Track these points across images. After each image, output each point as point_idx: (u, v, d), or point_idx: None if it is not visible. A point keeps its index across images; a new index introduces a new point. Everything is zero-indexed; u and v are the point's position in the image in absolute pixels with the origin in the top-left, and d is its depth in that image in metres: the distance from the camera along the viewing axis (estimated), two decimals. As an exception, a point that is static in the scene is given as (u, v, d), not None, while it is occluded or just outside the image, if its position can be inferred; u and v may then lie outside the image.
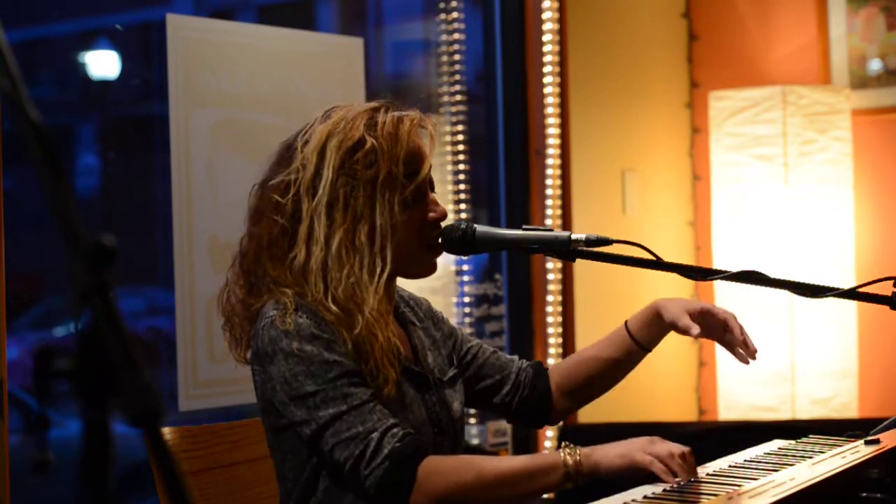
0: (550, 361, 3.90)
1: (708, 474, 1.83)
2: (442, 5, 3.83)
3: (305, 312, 1.86)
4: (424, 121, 1.98)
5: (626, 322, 2.17)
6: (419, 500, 1.80)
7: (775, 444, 2.10)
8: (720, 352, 4.22)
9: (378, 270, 1.89)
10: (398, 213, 1.92)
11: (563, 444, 1.83)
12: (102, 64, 3.32)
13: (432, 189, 2.00)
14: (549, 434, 3.84)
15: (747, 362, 2.04)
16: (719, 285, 4.18)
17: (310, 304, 1.87)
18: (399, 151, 1.92)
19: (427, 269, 2.00)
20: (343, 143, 1.91)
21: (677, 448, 1.80)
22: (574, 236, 1.95)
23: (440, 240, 1.99)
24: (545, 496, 3.77)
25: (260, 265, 1.93)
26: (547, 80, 3.92)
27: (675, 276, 2.01)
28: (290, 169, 1.93)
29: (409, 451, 1.81)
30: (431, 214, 1.96)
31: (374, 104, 1.99)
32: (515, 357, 2.21)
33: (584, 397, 2.21)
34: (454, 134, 3.83)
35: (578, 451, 1.81)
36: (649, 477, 1.78)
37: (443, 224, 2.00)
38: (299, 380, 1.84)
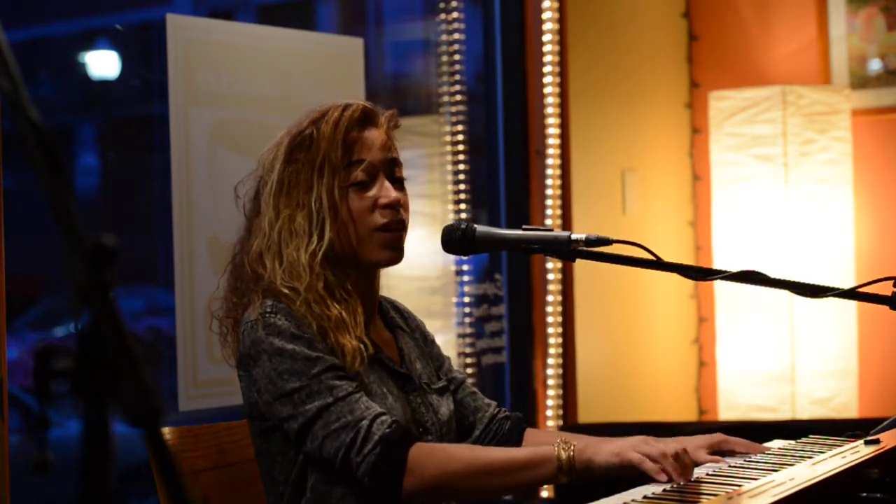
0: (550, 362, 3.91)
1: (708, 474, 1.83)
2: (442, 5, 3.83)
3: (284, 315, 1.88)
4: (371, 110, 2.00)
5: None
6: (411, 483, 1.81)
7: (775, 444, 2.10)
8: (720, 352, 4.23)
9: (314, 248, 1.92)
10: (337, 196, 1.94)
11: (558, 439, 1.84)
12: (102, 64, 3.32)
13: (395, 180, 2.00)
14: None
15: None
16: (719, 285, 4.18)
17: (286, 307, 1.90)
18: (338, 136, 1.95)
19: (381, 254, 1.98)
20: (291, 138, 1.98)
21: (671, 448, 1.80)
22: (574, 236, 1.95)
23: (391, 226, 1.97)
24: (546, 495, 3.77)
25: (244, 270, 1.98)
26: (547, 80, 3.92)
27: (675, 275, 2.01)
28: (255, 171, 2.02)
29: (399, 436, 1.82)
30: (381, 200, 1.96)
31: (330, 104, 2.02)
32: (494, 403, 2.20)
33: None
34: (454, 134, 3.83)
35: (572, 447, 1.81)
36: (645, 476, 1.78)
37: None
38: (284, 378, 1.86)
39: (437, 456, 1.83)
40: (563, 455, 1.81)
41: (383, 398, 1.93)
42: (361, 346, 1.90)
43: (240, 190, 2.05)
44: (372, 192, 1.97)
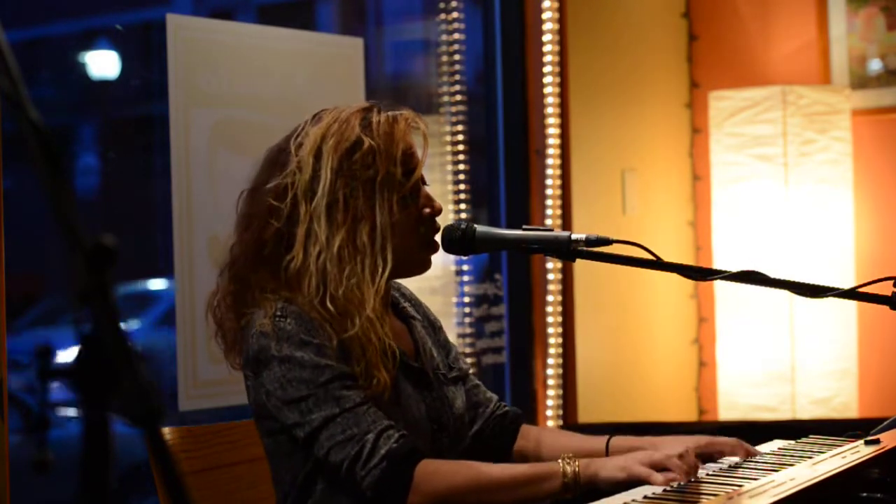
0: (550, 362, 3.90)
1: (708, 474, 1.83)
2: (442, 5, 3.83)
3: (294, 318, 1.86)
4: (417, 120, 1.99)
5: (609, 440, 2.06)
6: (416, 500, 1.80)
7: (775, 444, 2.10)
8: (720, 352, 4.22)
9: (380, 270, 1.90)
10: (397, 212, 1.92)
11: (562, 455, 1.84)
12: (102, 64, 3.31)
13: (425, 184, 2.01)
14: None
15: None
16: (719, 285, 4.18)
17: (297, 309, 1.86)
18: (396, 151, 1.93)
19: (423, 266, 2.00)
20: (340, 144, 1.91)
21: (675, 451, 1.80)
22: (574, 236, 1.95)
23: (436, 236, 1.99)
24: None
25: (250, 273, 1.93)
26: (547, 80, 3.92)
27: (675, 275, 2.01)
28: (286, 172, 1.92)
29: (406, 452, 1.81)
30: (427, 210, 1.97)
31: (364, 104, 1.99)
32: (495, 398, 2.19)
33: None
34: (454, 134, 3.82)
35: (577, 462, 1.81)
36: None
37: (438, 220, 2.00)
38: (293, 385, 1.84)
39: (442, 473, 1.82)
40: (569, 469, 1.80)
41: (396, 397, 1.92)
42: (386, 376, 1.88)
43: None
44: (418, 205, 1.96)
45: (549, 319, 3.92)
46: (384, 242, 1.90)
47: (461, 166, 3.81)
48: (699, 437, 2.01)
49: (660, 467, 1.77)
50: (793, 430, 2.53)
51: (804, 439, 2.11)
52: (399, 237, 1.93)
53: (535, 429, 2.21)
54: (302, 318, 1.86)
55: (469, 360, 3.82)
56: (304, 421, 1.84)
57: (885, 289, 1.93)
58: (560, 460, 1.82)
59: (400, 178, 1.93)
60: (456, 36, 3.83)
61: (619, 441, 2.06)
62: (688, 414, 4.46)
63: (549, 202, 3.92)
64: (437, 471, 1.82)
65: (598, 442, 2.07)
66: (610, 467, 1.80)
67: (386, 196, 1.91)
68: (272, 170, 1.95)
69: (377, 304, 1.90)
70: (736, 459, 1.97)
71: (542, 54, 3.93)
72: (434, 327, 2.15)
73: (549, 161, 3.92)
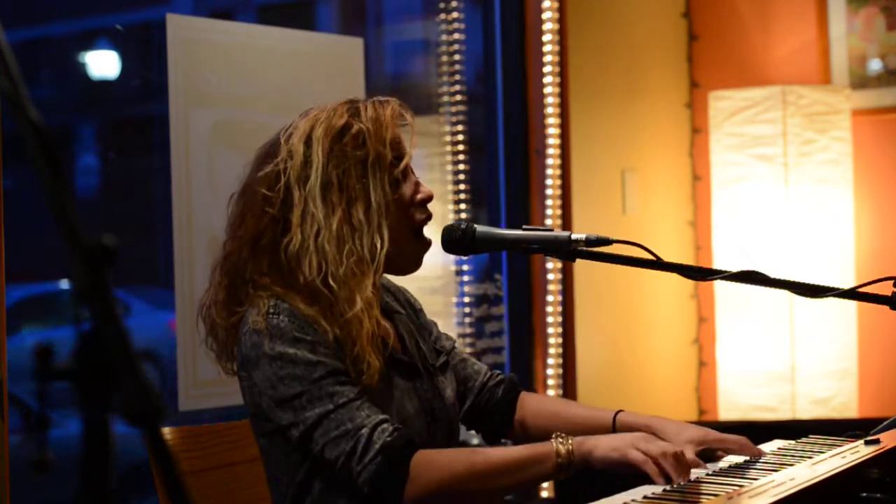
0: (550, 362, 3.90)
1: (708, 474, 1.83)
2: (442, 5, 3.83)
3: (287, 316, 1.86)
4: (403, 110, 2.00)
5: (616, 415, 2.07)
6: (413, 492, 1.79)
7: (775, 444, 2.10)
8: (720, 352, 4.22)
9: (378, 247, 1.90)
10: (390, 193, 1.93)
11: (555, 434, 1.83)
12: (102, 64, 3.31)
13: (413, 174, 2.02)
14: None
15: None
16: (719, 285, 4.18)
17: (289, 307, 1.87)
18: (385, 133, 1.95)
19: (415, 261, 2.00)
20: (329, 129, 1.93)
21: (671, 447, 1.80)
22: (574, 236, 1.95)
23: (428, 227, 1.99)
24: (546, 496, 3.77)
25: (245, 264, 1.92)
26: (547, 80, 3.92)
27: (675, 275, 2.01)
28: (277, 161, 1.93)
29: (401, 445, 1.80)
30: (419, 195, 1.98)
31: (350, 98, 2.01)
32: (484, 368, 2.19)
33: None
34: (454, 134, 3.83)
35: (570, 441, 1.81)
36: (642, 475, 1.78)
37: (438, 221, 2.01)
38: (285, 383, 1.84)
39: (438, 463, 1.82)
40: (562, 449, 1.80)
41: (389, 390, 1.92)
42: (377, 362, 1.88)
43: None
44: (407, 190, 1.97)
45: (549, 319, 3.92)
46: (380, 220, 1.91)
47: (461, 166, 3.81)
48: (709, 430, 2.01)
49: (653, 458, 1.77)
50: (793, 430, 2.52)
51: (804, 439, 2.11)
52: (393, 218, 1.94)
53: (538, 398, 2.20)
54: (295, 316, 1.86)
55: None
56: (298, 420, 1.83)
57: (885, 289, 1.93)
58: (553, 440, 1.82)
59: (391, 160, 1.94)
60: (456, 36, 3.83)
61: (626, 416, 2.06)
62: (688, 414, 4.46)
63: (549, 202, 3.92)
64: (433, 461, 1.81)
65: (605, 415, 2.07)
66: (604, 447, 1.80)
67: (378, 176, 1.93)
68: (263, 164, 1.96)
69: (377, 281, 1.92)
70: (736, 459, 1.97)
71: (542, 54, 3.93)
72: (415, 310, 2.15)
73: (549, 161, 3.92)
